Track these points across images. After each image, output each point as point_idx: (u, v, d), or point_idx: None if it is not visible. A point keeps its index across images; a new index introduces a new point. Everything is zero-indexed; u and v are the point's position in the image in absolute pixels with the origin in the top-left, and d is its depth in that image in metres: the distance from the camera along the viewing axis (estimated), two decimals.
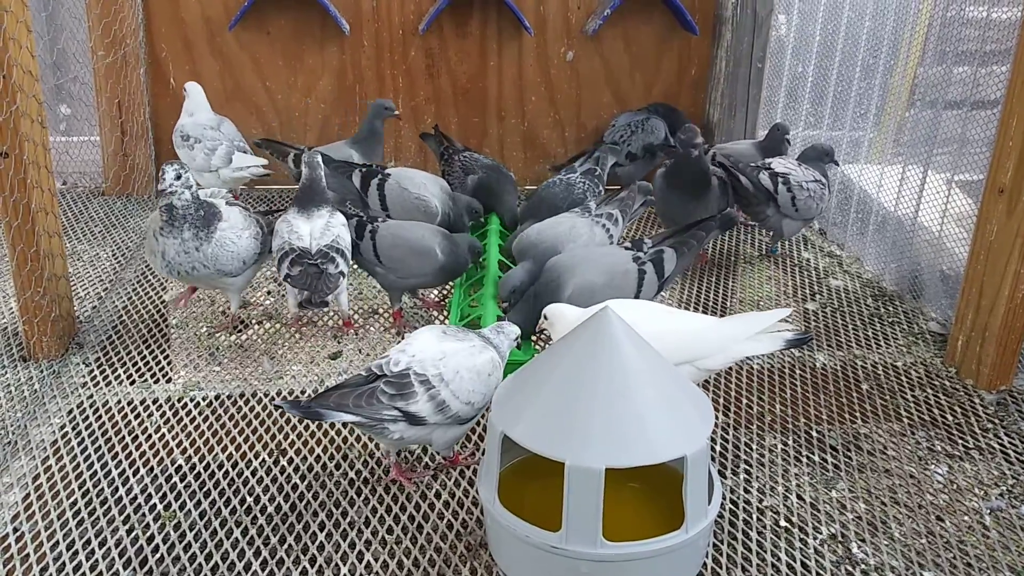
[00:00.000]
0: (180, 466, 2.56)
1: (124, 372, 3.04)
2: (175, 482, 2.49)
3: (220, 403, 2.88)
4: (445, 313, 3.51)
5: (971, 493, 2.48)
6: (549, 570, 2.03)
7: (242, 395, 2.92)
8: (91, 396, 2.89)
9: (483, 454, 2.28)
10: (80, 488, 2.44)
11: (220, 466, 2.56)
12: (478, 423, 2.71)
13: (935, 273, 3.48)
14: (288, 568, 2.18)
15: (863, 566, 2.21)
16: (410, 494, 2.45)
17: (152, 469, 2.54)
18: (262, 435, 2.71)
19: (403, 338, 2.45)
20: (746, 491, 2.48)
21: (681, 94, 4.90)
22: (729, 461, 2.61)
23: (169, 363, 3.11)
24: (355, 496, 2.44)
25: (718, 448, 2.66)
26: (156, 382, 2.99)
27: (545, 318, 2.69)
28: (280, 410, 2.82)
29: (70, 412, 2.80)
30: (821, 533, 2.32)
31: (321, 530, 2.31)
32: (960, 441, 2.72)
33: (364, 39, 4.63)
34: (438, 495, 2.45)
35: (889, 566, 2.21)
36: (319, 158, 3.23)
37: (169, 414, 2.81)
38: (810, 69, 4.34)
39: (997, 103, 3.00)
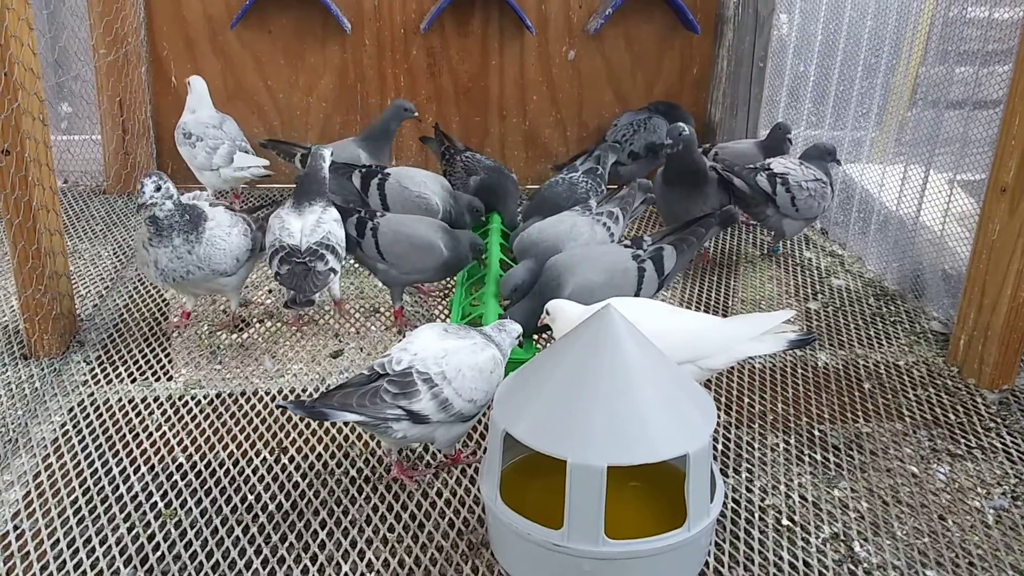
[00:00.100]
0: (181, 464, 2.56)
1: (125, 370, 3.04)
2: (176, 480, 2.48)
3: (221, 401, 2.87)
4: (447, 311, 3.50)
5: (974, 492, 2.48)
6: (551, 568, 2.03)
7: (243, 393, 2.92)
8: (92, 394, 2.89)
9: (485, 452, 2.27)
10: (81, 486, 2.44)
11: (221, 464, 2.56)
12: (479, 421, 2.71)
13: (937, 272, 3.47)
14: (289, 566, 2.18)
15: (865, 565, 2.20)
16: (411, 492, 2.45)
17: (153, 467, 2.54)
18: (263, 433, 2.71)
19: (404, 336, 2.44)
20: (748, 490, 2.47)
21: (683, 93, 4.89)
22: (731, 460, 2.60)
23: (170, 361, 3.11)
24: (356, 494, 2.44)
25: (720, 447, 2.66)
26: (157, 380, 2.99)
27: (547, 313, 2.69)
28: (282, 409, 2.81)
29: (71, 410, 2.79)
30: (823, 532, 2.32)
31: (322, 528, 2.31)
32: (962, 440, 2.71)
33: (366, 38, 4.63)
34: (439, 493, 2.45)
35: (891, 565, 2.20)
36: (326, 152, 3.24)
37: (170, 412, 2.80)
38: (812, 68, 4.34)
39: (999, 103, 3.00)
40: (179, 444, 2.65)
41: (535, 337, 3.16)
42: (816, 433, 2.74)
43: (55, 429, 2.69)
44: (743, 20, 4.57)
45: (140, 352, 3.16)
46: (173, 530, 2.29)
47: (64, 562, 2.17)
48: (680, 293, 3.72)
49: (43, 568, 2.15)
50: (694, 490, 1.99)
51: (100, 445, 2.62)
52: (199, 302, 3.49)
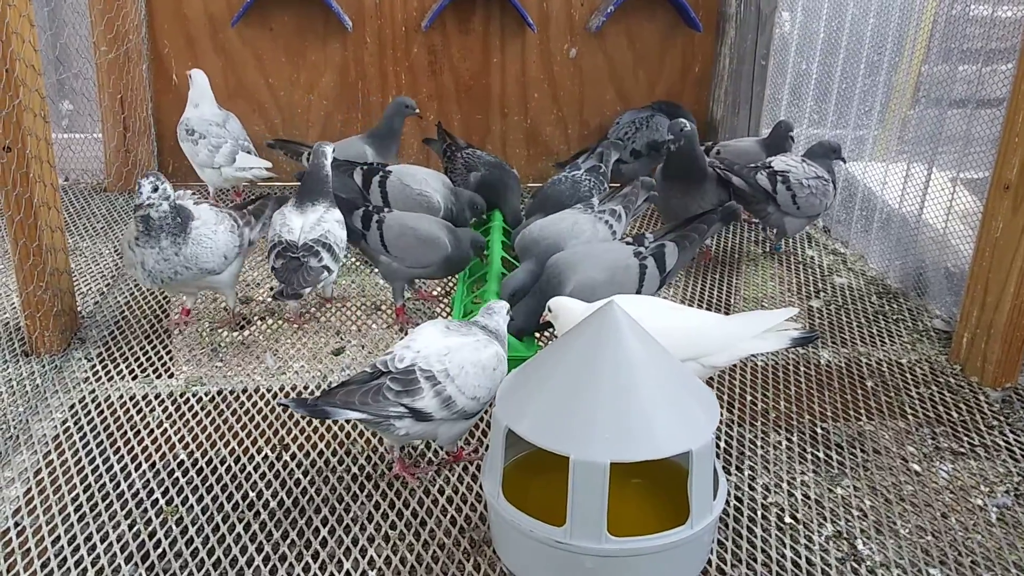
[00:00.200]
0: (182, 461, 2.55)
1: (126, 367, 3.04)
2: (177, 477, 2.48)
3: (223, 398, 2.87)
4: (448, 310, 3.50)
5: (976, 490, 2.47)
6: (553, 565, 2.02)
7: (244, 391, 2.91)
8: (93, 391, 2.88)
9: (487, 449, 2.27)
10: (82, 483, 2.44)
11: (222, 461, 2.56)
12: (481, 418, 2.70)
13: (940, 270, 3.47)
14: (291, 564, 2.17)
15: (868, 563, 2.20)
16: (413, 490, 2.44)
17: (154, 464, 2.53)
18: (264, 431, 2.70)
19: (406, 334, 2.44)
20: (751, 487, 2.47)
21: (684, 91, 4.89)
22: (734, 457, 2.60)
23: (171, 358, 3.11)
24: (358, 492, 2.43)
25: (722, 444, 2.65)
26: (158, 377, 2.99)
27: (549, 310, 2.69)
28: (283, 406, 2.81)
29: (72, 407, 2.79)
30: (826, 530, 2.31)
31: (323, 526, 2.30)
32: (965, 438, 2.71)
33: (367, 35, 4.62)
34: (441, 491, 2.44)
35: (894, 563, 2.20)
36: (327, 149, 3.24)
37: (171, 409, 2.80)
38: (814, 66, 4.33)
39: (1002, 101, 2.99)
40: (180, 441, 2.64)
41: (537, 335, 3.15)
42: (819, 431, 2.74)
43: (56, 426, 2.69)
44: (745, 18, 4.56)
45: (141, 349, 3.16)
46: (174, 527, 2.28)
47: (65, 559, 2.16)
48: (682, 291, 3.72)
49: (44, 565, 2.14)
50: (697, 487, 1.99)
51: (101, 442, 2.62)
52: (200, 299, 3.49)
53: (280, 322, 3.38)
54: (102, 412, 2.77)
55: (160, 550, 2.20)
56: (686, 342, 2.48)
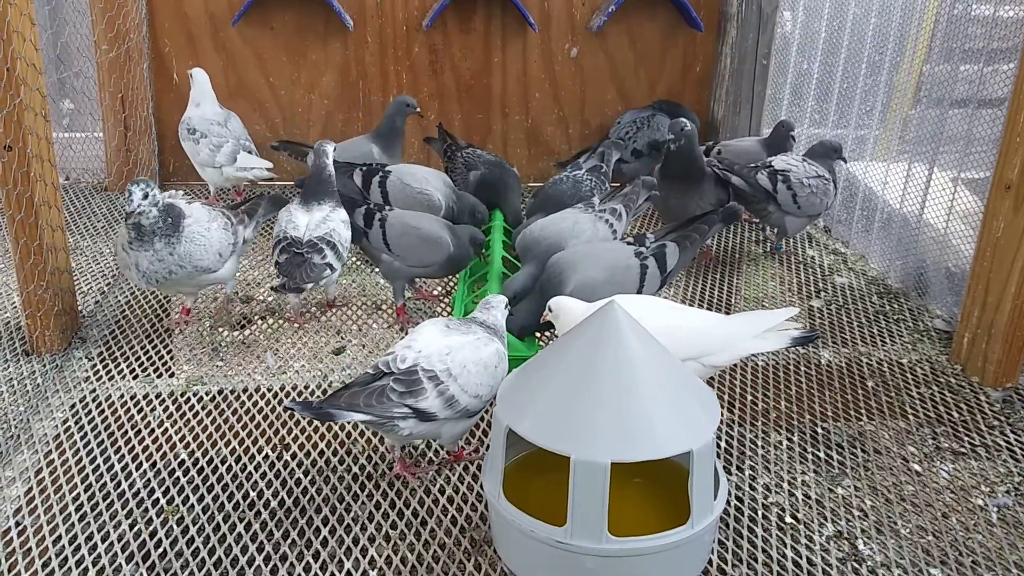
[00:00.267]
0: (183, 461, 2.55)
1: (127, 366, 3.04)
2: (178, 476, 2.48)
3: (223, 398, 2.87)
4: (449, 310, 3.50)
5: (977, 490, 2.47)
6: (554, 565, 2.02)
7: (245, 390, 2.91)
8: (94, 390, 2.88)
9: (488, 449, 2.27)
10: (83, 482, 2.44)
11: (223, 461, 2.56)
12: (482, 418, 2.70)
13: (941, 270, 3.47)
14: (291, 563, 2.17)
15: (869, 563, 2.20)
16: (414, 489, 2.44)
17: (155, 464, 2.53)
18: (265, 430, 2.70)
19: (407, 333, 2.44)
20: (751, 487, 2.47)
21: (685, 91, 4.88)
22: (734, 457, 2.60)
23: (172, 358, 3.11)
24: (358, 491, 2.43)
25: (723, 444, 2.65)
26: (159, 377, 2.99)
27: (550, 310, 2.69)
28: (287, 409, 2.81)
29: (73, 406, 2.79)
30: (826, 530, 2.31)
31: (324, 525, 2.30)
32: (966, 438, 2.71)
33: (368, 35, 4.62)
34: (442, 490, 2.44)
35: (895, 563, 2.20)
36: (328, 148, 3.24)
37: (172, 409, 2.80)
38: (815, 66, 4.33)
39: (1003, 101, 2.99)
40: (181, 440, 2.64)
41: (537, 335, 3.15)
42: (819, 431, 2.74)
43: (57, 425, 2.69)
44: (747, 17, 4.56)
45: (142, 348, 3.16)
46: (175, 526, 2.28)
47: (66, 558, 2.16)
48: (683, 290, 3.72)
49: (45, 564, 2.14)
50: (697, 487, 1.99)
51: (102, 441, 2.62)
52: (200, 298, 3.49)
53: (281, 321, 3.38)
54: (103, 411, 2.77)
55: (161, 549, 2.20)
56: (687, 342, 2.48)
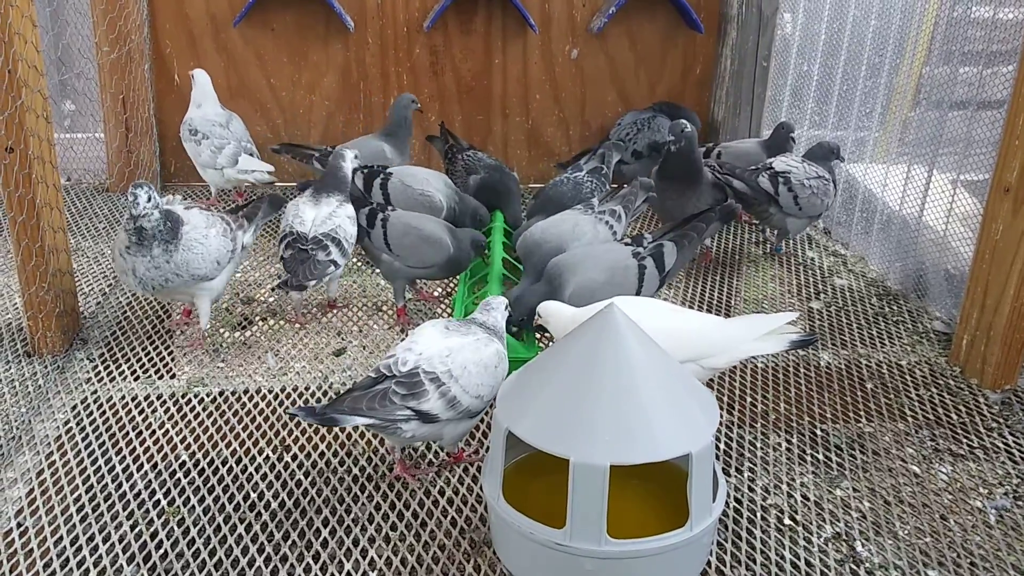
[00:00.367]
0: (184, 462, 2.56)
1: (128, 368, 3.05)
2: (179, 478, 2.49)
3: (224, 399, 2.88)
4: (449, 311, 3.51)
5: (976, 492, 2.47)
6: (553, 567, 2.03)
7: (246, 391, 2.92)
8: (95, 392, 2.89)
9: (487, 451, 2.28)
10: (84, 483, 2.44)
11: (224, 462, 2.56)
12: (482, 420, 2.71)
13: (940, 272, 3.47)
14: (291, 565, 2.18)
15: (867, 565, 2.21)
16: (414, 491, 2.45)
17: (156, 465, 2.54)
18: (266, 431, 2.71)
19: (407, 335, 2.44)
20: (750, 489, 2.47)
21: (686, 92, 4.89)
22: (733, 459, 2.61)
23: (173, 359, 3.11)
24: (359, 493, 2.44)
25: (722, 446, 2.66)
26: (160, 378, 2.99)
27: (539, 316, 2.70)
28: (286, 408, 2.82)
29: (74, 407, 2.80)
30: (825, 532, 2.32)
31: (324, 526, 2.31)
32: (965, 440, 2.71)
33: (369, 36, 4.62)
34: (442, 492, 2.45)
35: (893, 565, 2.20)
36: (348, 153, 3.31)
37: (173, 410, 2.81)
38: (815, 68, 4.33)
39: (1003, 103, 2.99)
40: (182, 442, 2.65)
41: (538, 336, 3.16)
42: (818, 433, 2.74)
43: (58, 426, 2.70)
44: (747, 19, 4.56)
45: (143, 349, 3.16)
46: (176, 528, 2.29)
47: (67, 559, 2.17)
48: (683, 292, 3.72)
49: (46, 565, 2.15)
50: (696, 489, 1.99)
51: (103, 442, 2.63)
52: None
53: (282, 323, 3.39)
54: (104, 412, 2.78)
55: (162, 550, 2.21)
56: (685, 344, 2.48)
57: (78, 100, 4.78)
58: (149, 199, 2.80)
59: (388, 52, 4.67)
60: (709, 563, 2.19)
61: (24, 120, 2.78)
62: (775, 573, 2.18)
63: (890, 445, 2.68)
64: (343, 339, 3.29)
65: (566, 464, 1.93)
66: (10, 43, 2.70)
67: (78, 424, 2.71)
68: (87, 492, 2.41)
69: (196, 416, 2.78)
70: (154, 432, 2.69)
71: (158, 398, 2.87)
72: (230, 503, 2.39)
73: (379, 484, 2.47)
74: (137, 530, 2.27)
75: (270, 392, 2.92)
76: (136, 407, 2.81)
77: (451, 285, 3.71)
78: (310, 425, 2.72)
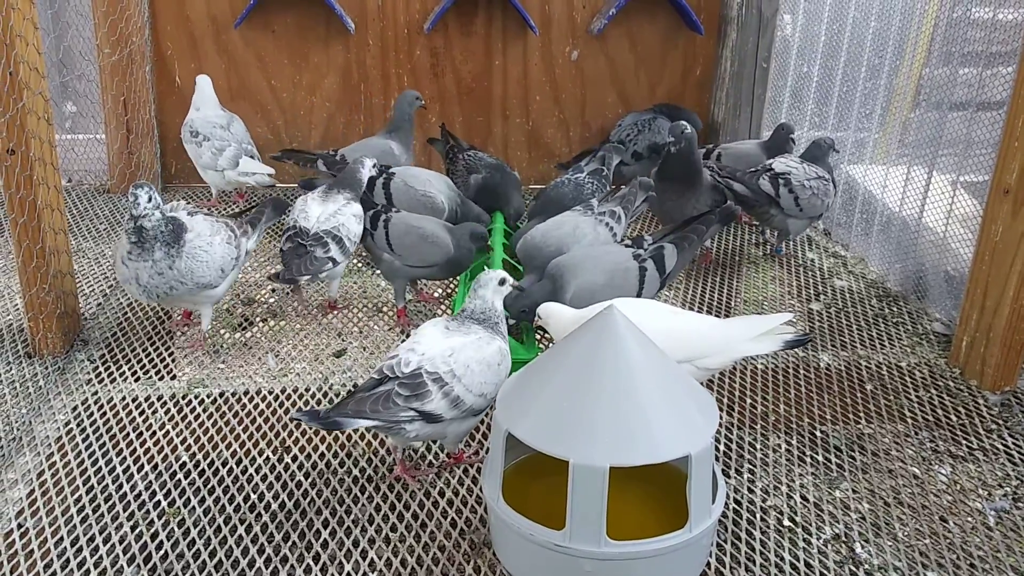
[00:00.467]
0: (184, 463, 2.56)
1: (128, 369, 3.05)
2: (179, 479, 2.49)
3: (224, 400, 2.88)
4: (450, 311, 3.51)
5: (975, 494, 2.48)
6: (553, 568, 2.03)
7: (246, 392, 2.93)
8: (96, 393, 2.90)
9: (487, 452, 2.28)
10: (84, 484, 2.45)
11: (224, 463, 2.57)
12: (482, 421, 2.71)
13: (939, 274, 3.48)
14: (292, 566, 2.18)
15: (866, 566, 2.21)
16: (414, 492, 2.45)
17: (156, 466, 2.55)
18: (266, 432, 2.72)
19: (407, 336, 2.45)
20: (750, 491, 2.48)
21: (686, 94, 4.89)
22: (733, 461, 2.61)
23: (173, 360, 3.12)
24: (359, 494, 2.45)
25: (722, 448, 2.66)
26: (161, 379, 3.00)
27: (539, 316, 2.70)
28: (288, 411, 2.82)
29: (75, 409, 2.80)
30: (824, 533, 2.32)
31: (324, 528, 2.31)
32: (964, 442, 2.72)
33: (369, 38, 4.63)
34: (442, 493, 2.45)
35: (892, 566, 2.21)
36: (368, 162, 3.39)
37: (173, 411, 2.81)
38: (815, 69, 4.34)
39: (1002, 104, 3.00)
40: (182, 443, 2.66)
41: (538, 337, 3.16)
42: (818, 434, 2.75)
43: (59, 427, 2.70)
44: (747, 21, 4.56)
45: (143, 351, 3.17)
46: (176, 529, 2.30)
47: (68, 560, 2.17)
48: (683, 294, 3.73)
49: (47, 566, 2.16)
50: (696, 491, 2.00)
51: (104, 443, 2.63)
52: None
53: (282, 323, 3.39)
54: (104, 413, 2.78)
55: (162, 551, 2.21)
56: (681, 344, 2.48)
57: (79, 102, 4.78)
58: (150, 199, 2.79)
59: (389, 54, 4.67)
60: (709, 564, 2.19)
61: (25, 122, 2.79)
62: (774, 574, 2.18)
63: (890, 446, 2.69)
64: (343, 340, 3.29)
65: (566, 465, 1.94)
66: (11, 46, 2.71)
67: (78, 425, 2.72)
68: (87, 493, 2.41)
69: (196, 417, 2.79)
70: (154, 433, 2.70)
71: (158, 399, 2.87)
72: (230, 504, 2.40)
73: (379, 485, 2.48)
74: (137, 531, 2.28)
75: (270, 393, 2.92)
76: (136, 408, 2.82)
77: (451, 286, 3.72)
78: (311, 427, 2.72)
